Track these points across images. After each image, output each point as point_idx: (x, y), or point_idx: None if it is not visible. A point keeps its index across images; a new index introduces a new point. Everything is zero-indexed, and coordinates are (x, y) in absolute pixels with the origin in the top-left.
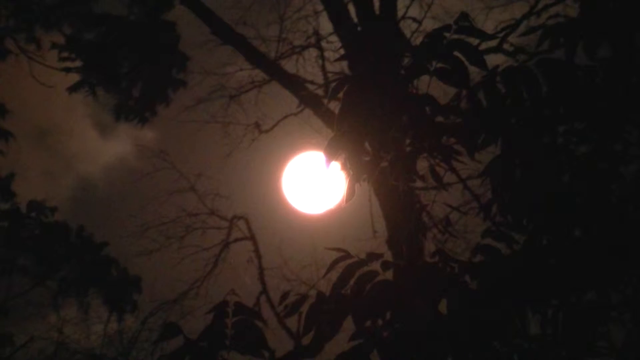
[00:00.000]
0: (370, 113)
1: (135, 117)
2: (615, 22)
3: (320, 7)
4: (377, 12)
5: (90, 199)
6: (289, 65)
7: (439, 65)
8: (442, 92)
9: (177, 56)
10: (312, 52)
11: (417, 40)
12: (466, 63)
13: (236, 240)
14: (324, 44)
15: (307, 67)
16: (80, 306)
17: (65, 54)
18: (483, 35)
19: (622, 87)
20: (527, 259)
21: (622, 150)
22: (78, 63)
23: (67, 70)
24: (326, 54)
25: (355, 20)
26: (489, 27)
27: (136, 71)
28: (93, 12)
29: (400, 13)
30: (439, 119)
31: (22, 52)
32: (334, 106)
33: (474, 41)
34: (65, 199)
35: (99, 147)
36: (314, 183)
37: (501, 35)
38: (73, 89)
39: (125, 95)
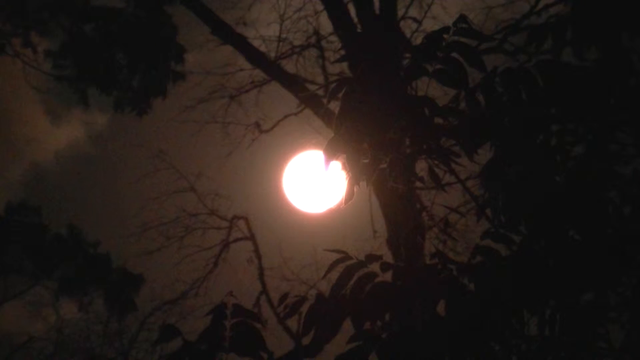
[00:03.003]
0: (369, 114)
1: (134, 109)
2: (603, 23)
3: (320, 7)
4: (377, 12)
5: (43, 185)
6: (289, 65)
7: (438, 66)
8: (441, 92)
9: (175, 49)
10: (312, 52)
11: (417, 40)
12: (465, 65)
13: (236, 240)
14: (324, 44)
15: (307, 67)
16: (79, 305)
17: (60, 62)
18: (481, 37)
19: (617, 88)
20: (524, 260)
21: (617, 151)
22: (71, 70)
23: (60, 78)
24: (326, 54)
25: (355, 20)
26: (489, 27)
27: (134, 63)
28: (90, 5)
29: (400, 13)
30: (438, 120)
31: (16, 56)
32: (334, 106)
33: (473, 42)
34: (17, 185)
35: (51, 133)
36: (314, 182)
37: (499, 36)
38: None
39: (124, 87)
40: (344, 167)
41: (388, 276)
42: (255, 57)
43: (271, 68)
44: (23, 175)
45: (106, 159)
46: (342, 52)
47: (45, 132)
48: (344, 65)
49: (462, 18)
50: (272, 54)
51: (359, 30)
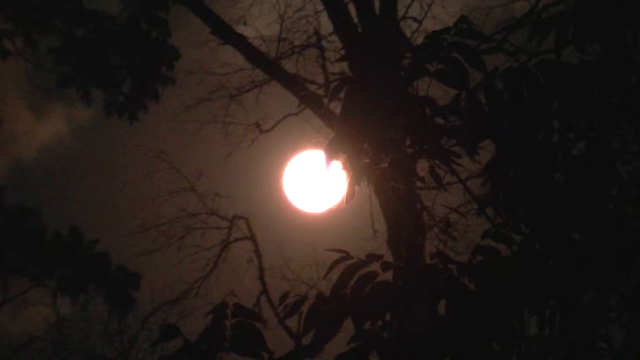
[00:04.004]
0: (370, 114)
1: (125, 114)
2: (606, 20)
3: (320, 7)
4: (377, 12)
5: (27, 181)
6: (289, 65)
7: (439, 66)
8: (443, 92)
9: (167, 53)
10: (312, 52)
11: (417, 40)
12: (465, 65)
13: (236, 240)
14: (324, 43)
15: (307, 67)
16: (79, 304)
17: (63, 61)
18: (482, 38)
19: (620, 85)
20: (524, 260)
21: (619, 149)
22: (73, 69)
23: (63, 82)
24: (326, 53)
25: (356, 20)
26: (489, 27)
27: (126, 67)
28: (84, 8)
29: (400, 13)
30: (438, 120)
31: (19, 54)
32: (335, 106)
33: (473, 43)
34: (5, 182)
35: (34, 128)
36: (314, 182)
37: (499, 37)
38: (63, 84)
39: (115, 91)
40: (345, 167)
41: (389, 276)
42: (255, 57)
43: (271, 68)
44: (8, 171)
45: (94, 154)
46: (342, 52)
47: (30, 127)
48: (344, 65)
49: (463, 18)
50: (272, 54)
51: (359, 30)
